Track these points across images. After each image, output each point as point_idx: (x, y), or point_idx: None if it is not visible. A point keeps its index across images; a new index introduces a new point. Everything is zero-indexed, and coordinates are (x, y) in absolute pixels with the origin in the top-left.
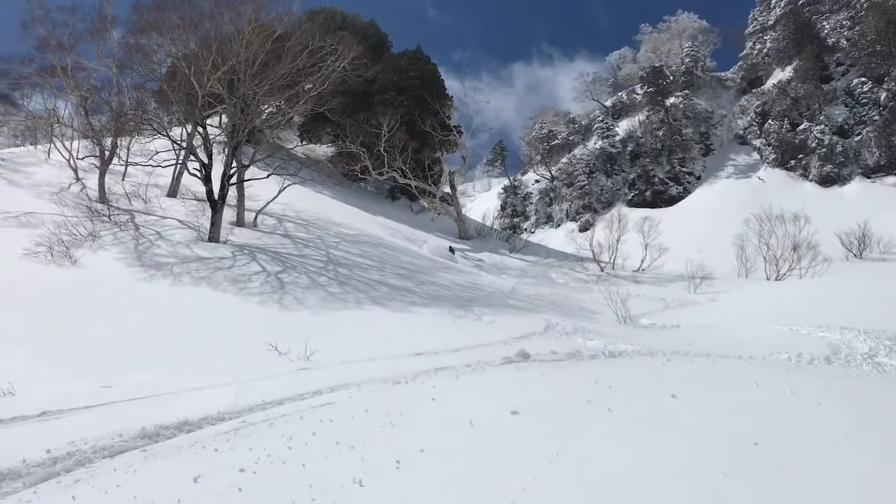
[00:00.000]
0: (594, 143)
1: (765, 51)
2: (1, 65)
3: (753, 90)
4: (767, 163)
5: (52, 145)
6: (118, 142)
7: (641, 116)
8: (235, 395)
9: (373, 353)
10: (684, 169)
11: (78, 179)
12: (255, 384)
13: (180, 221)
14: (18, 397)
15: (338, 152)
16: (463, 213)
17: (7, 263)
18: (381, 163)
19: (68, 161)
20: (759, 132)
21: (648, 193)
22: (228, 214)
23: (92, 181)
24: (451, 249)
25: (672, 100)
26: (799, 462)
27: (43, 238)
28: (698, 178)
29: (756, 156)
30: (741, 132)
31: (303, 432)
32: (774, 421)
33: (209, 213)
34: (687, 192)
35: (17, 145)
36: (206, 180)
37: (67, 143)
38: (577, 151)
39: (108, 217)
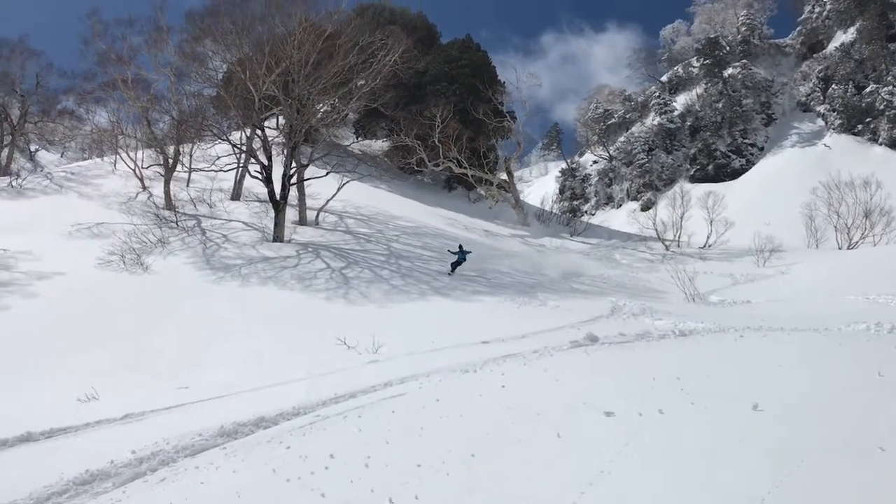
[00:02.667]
0: (652, 120)
1: (825, 13)
2: (66, 81)
3: (814, 55)
4: (833, 129)
5: (118, 156)
6: (180, 149)
7: (699, 89)
8: (308, 391)
9: (439, 343)
10: (746, 140)
11: (144, 188)
12: (327, 378)
13: (245, 223)
14: (102, 401)
15: (393, 146)
16: (521, 199)
17: (83, 273)
18: (436, 154)
19: (134, 171)
20: (822, 98)
21: (710, 168)
22: (291, 214)
23: (158, 189)
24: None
25: (730, 70)
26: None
27: (115, 247)
28: (761, 149)
29: (820, 122)
30: (804, 99)
31: (375, 424)
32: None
33: (272, 213)
34: (750, 164)
35: (85, 158)
36: (268, 182)
37: (132, 154)
38: (635, 129)
39: (176, 223)
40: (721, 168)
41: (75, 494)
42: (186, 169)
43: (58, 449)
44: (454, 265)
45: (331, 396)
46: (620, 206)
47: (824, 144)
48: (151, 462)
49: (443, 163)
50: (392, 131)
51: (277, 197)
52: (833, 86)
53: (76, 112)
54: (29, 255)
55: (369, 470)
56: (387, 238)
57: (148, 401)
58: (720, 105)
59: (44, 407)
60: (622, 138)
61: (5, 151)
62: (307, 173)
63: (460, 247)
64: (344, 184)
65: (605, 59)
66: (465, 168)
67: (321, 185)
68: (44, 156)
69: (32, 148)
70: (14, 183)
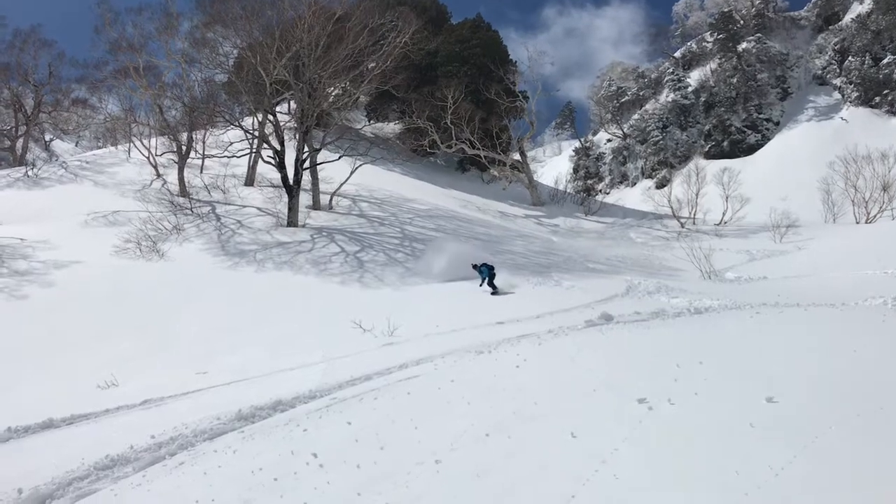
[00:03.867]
0: (666, 97)
1: None
2: (78, 70)
3: (830, 27)
4: (850, 102)
5: (132, 144)
6: (193, 136)
7: (713, 65)
8: (324, 374)
9: (454, 324)
10: (761, 115)
11: (158, 175)
12: (343, 361)
13: (259, 209)
14: (121, 388)
15: (405, 128)
16: (535, 179)
17: (100, 261)
18: (448, 135)
19: (148, 158)
20: (838, 71)
21: (726, 144)
22: (305, 199)
23: (172, 176)
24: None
25: (744, 45)
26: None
27: (131, 234)
28: (777, 123)
29: (837, 96)
30: (819, 72)
31: (391, 405)
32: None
33: (286, 198)
34: (766, 139)
35: (99, 147)
36: (281, 167)
37: (146, 141)
38: (649, 106)
39: (190, 210)
40: (736, 144)
41: (96, 479)
42: (200, 156)
43: (79, 435)
44: (491, 284)
45: (347, 379)
46: (635, 184)
47: (841, 118)
48: (170, 446)
49: (455, 144)
50: (404, 113)
51: (291, 182)
52: (849, 58)
53: (89, 101)
54: (46, 244)
55: (384, 451)
56: (400, 221)
57: (166, 386)
58: (735, 80)
59: (64, 394)
60: (636, 116)
61: (20, 141)
62: (320, 157)
63: (483, 266)
64: (357, 167)
65: (609, 33)
66: (478, 149)
67: (334, 169)
68: (58, 145)
69: (47, 137)
70: (30, 173)
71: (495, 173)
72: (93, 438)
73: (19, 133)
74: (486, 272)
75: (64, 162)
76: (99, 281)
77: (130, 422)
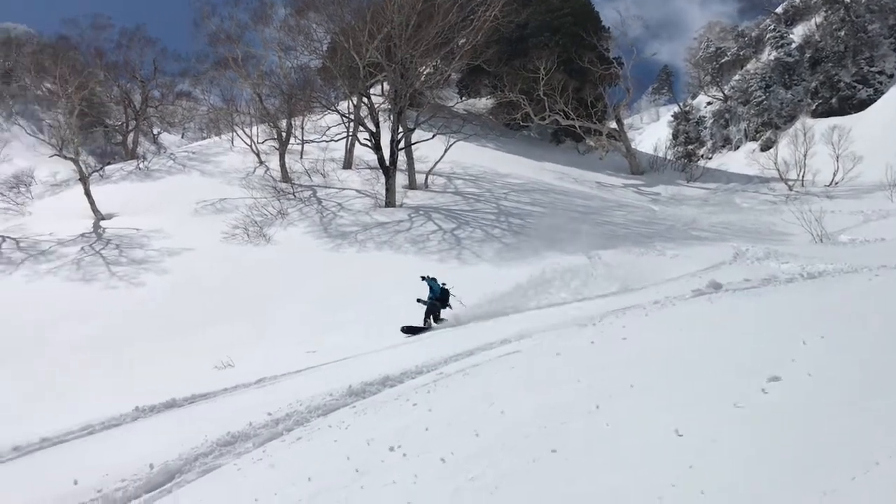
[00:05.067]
0: (768, 55)
1: None
2: (180, 64)
3: None
4: None
5: (234, 134)
6: (292, 122)
7: (818, 18)
8: (430, 349)
9: (555, 297)
10: (873, 69)
11: (261, 162)
12: (446, 338)
13: (358, 191)
14: (237, 368)
15: (497, 103)
16: (632, 147)
17: (210, 247)
18: (541, 107)
19: (250, 146)
20: None
21: (834, 101)
22: (401, 179)
23: (274, 162)
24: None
25: None
26: None
27: (238, 221)
28: (891, 76)
29: None
30: None
31: (495, 380)
32: None
33: (383, 179)
34: (879, 93)
35: (204, 138)
36: (377, 148)
37: (247, 130)
38: (750, 66)
39: (293, 195)
40: (846, 100)
41: (220, 455)
42: (299, 141)
43: (200, 413)
44: (428, 314)
45: (451, 354)
46: (738, 147)
47: None
48: (287, 422)
49: (549, 116)
50: (496, 88)
51: (387, 163)
52: None
53: (192, 93)
54: (160, 233)
55: (493, 423)
56: (496, 196)
57: (278, 365)
58: (842, 33)
59: (184, 375)
60: (737, 76)
61: (131, 136)
62: (414, 137)
63: (432, 279)
64: (450, 145)
65: None
66: (573, 119)
67: (428, 148)
68: (166, 138)
69: (155, 131)
70: (141, 165)
71: (591, 143)
72: (213, 416)
73: (130, 128)
74: (435, 293)
75: (172, 154)
76: (210, 266)
77: (247, 400)
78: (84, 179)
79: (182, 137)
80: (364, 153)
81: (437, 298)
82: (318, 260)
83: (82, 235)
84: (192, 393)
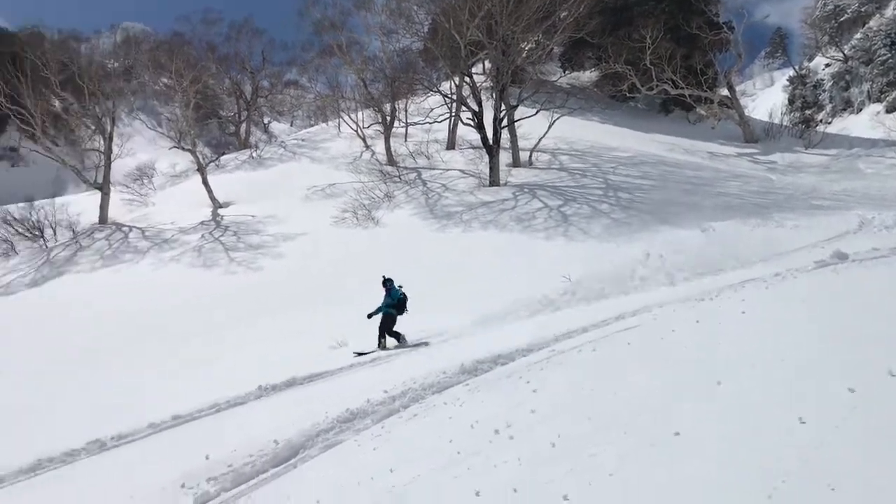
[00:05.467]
0: (893, 10)
1: None
2: (287, 54)
3: None
4: None
5: (341, 119)
6: (396, 105)
7: None
8: (539, 327)
9: (667, 272)
10: None
11: (367, 147)
12: (557, 315)
13: (462, 171)
14: (351, 347)
15: (602, 75)
16: (746, 114)
17: (322, 231)
18: (648, 77)
19: (356, 131)
20: None
21: None
22: (504, 157)
23: (379, 146)
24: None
25: None
26: None
27: (347, 205)
28: None
29: None
30: None
31: (612, 357)
32: None
33: (486, 158)
34: None
35: (311, 125)
36: (479, 128)
37: (353, 116)
38: (873, 23)
39: (398, 177)
40: None
41: (340, 431)
42: (403, 124)
43: (318, 391)
44: (384, 327)
45: (563, 332)
46: (861, 110)
47: None
48: (403, 399)
49: (656, 86)
50: (600, 59)
51: (490, 141)
52: None
53: (300, 82)
54: (273, 219)
55: (608, 402)
56: (603, 171)
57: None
58: None
59: (302, 355)
60: (858, 35)
61: (243, 126)
62: (517, 114)
63: (386, 282)
64: (554, 120)
65: None
66: (682, 88)
67: (532, 125)
68: (276, 126)
69: (265, 120)
70: (254, 154)
71: (702, 112)
72: (332, 394)
73: (242, 118)
74: (394, 299)
75: (282, 142)
76: (322, 250)
77: (363, 378)
78: (201, 169)
79: (291, 125)
80: (467, 133)
81: (394, 305)
82: (424, 241)
83: (202, 223)
84: (310, 372)
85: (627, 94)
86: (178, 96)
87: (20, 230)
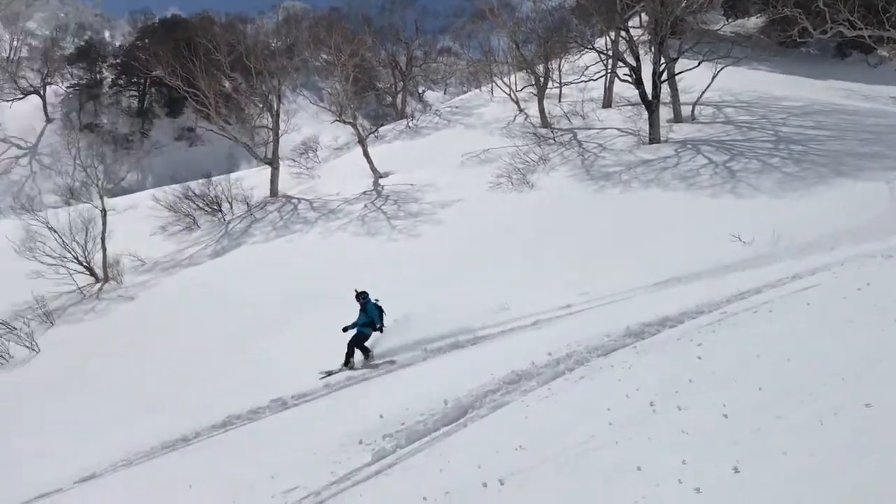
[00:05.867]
0: None
1: None
2: (440, 21)
3: None
4: None
5: (493, 84)
6: (549, 66)
7: None
8: (708, 288)
9: (846, 228)
10: None
11: (521, 110)
12: (727, 276)
13: (619, 129)
14: (512, 311)
15: (769, 20)
16: None
17: (478, 197)
18: (822, 19)
19: (509, 95)
20: None
21: None
22: (665, 112)
23: (532, 109)
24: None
25: None
26: None
27: (501, 170)
28: None
29: None
30: None
31: (790, 317)
32: None
33: (645, 115)
34: None
35: (464, 91)
36: (638, 83)
37: (505, 79)
38: None
39: (553, 139)
40: None
41: (507, 392)
42: (557, 85)
43: (483, 353)
44: (353, 345)
45: (735, 293)
46: None
47: None
48: (568, 362)
49: (831, 28)
50: (766, 4)
51: (649, 97)
52: None
53: (452, 49)
54: (431, 187)
55: (788, 367)
56: (772, 123)
57: (552, 307)
58: None
59: (464, 315)
60: None
61: (399, 97)
62: (677, 67)
63: (360, 296)
64: (718, 71)
65: None
66: (861, 29)
67: (693, 78)
68: (430, 95)
69: (420, 90)
70: (410, 124)
71: (884, 54)
72: (496, 356)
73: (398, 89)
74: (370, 316)
75: (437, 110)
76: (479, 215)
77: (526, 340)
78: (362, 141)
79: (444, 93)
80: (624, 89)
81: (370, 324)
82: (581, 203)
83: (364, 193)
84: (475, 335)
85: (798, 40)
86: (338, 71)
87: (201, 205)
